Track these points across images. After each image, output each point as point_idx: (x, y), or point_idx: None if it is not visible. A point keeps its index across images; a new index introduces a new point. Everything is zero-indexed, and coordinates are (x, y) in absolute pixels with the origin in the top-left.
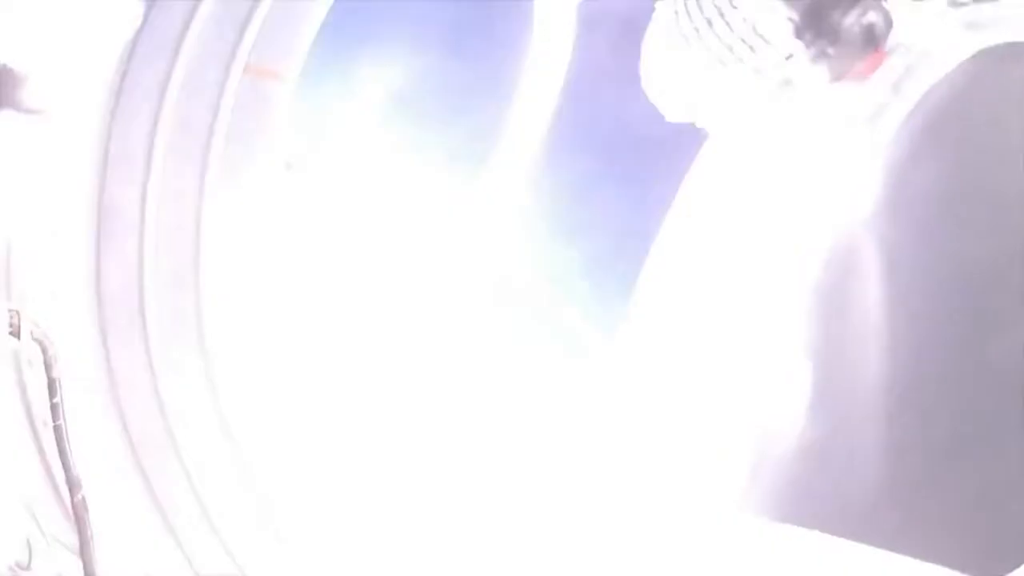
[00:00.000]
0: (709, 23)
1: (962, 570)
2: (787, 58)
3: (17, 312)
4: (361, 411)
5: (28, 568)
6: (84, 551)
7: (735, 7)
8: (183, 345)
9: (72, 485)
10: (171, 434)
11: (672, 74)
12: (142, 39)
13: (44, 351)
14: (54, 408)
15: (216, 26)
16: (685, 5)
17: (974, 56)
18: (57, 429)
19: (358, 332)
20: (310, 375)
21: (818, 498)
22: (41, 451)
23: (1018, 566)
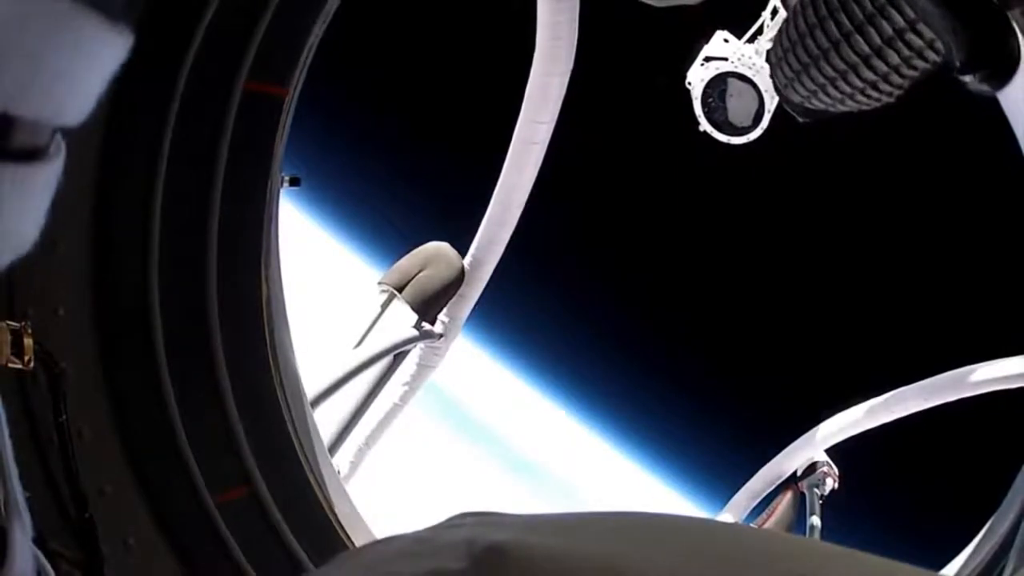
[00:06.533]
0: (856, 30)
1: None
2: (960, 75)
3: (20, 329)
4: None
5: None
6: (93, 569)
7: (896, 26)
8: (190, 361)
9: (79, 503)
10: (180, 450)
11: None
12: (142, 58)
13: (48, 369)
14: (60, 426)
15: (216, 45)
16: (827, 13)
17: None
18: (63, 447)
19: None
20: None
21: None
22: (47, 469)
23: None
